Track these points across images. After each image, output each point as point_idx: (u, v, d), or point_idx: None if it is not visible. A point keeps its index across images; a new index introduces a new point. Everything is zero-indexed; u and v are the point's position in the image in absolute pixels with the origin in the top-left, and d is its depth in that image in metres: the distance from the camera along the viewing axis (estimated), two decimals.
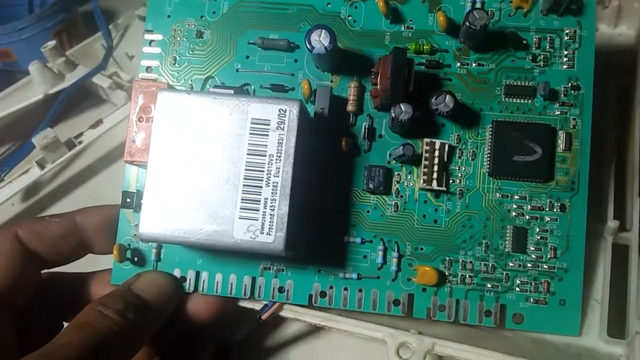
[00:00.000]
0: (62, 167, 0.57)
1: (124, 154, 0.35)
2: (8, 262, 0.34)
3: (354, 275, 0.36)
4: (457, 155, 0.37)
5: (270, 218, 0.32)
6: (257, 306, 0.37)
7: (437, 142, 0.36)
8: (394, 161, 0.37)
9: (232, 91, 0.34)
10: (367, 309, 0.36)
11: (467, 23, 0.34)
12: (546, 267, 0.36)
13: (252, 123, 0.32)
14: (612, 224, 0.38)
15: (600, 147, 0.40)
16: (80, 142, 0.53)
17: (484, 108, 0.37)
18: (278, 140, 0.32)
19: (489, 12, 0.37)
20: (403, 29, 0.38)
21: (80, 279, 0.38)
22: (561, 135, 0.37)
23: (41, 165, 0.52)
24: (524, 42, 0.37)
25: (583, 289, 0.36)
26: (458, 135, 0.37)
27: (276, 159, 0.32)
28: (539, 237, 0.36)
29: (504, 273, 0.36)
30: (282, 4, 0.38)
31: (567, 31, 0.37)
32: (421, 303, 0.36)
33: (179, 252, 0.37)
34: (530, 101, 0.37)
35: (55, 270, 0.38)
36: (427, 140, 0.36)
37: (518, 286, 0.36)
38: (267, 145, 0.32)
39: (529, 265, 0.36)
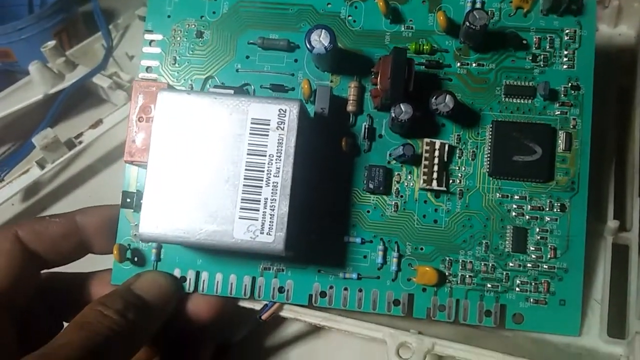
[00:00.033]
0: (62, 167, 0.57)
1: (124, 154, 0.35)
2: (8, 262, 0.34)
3: (354, 275, 0.36)
4: (457, 155, 0.37)
5: (270, 218, 0.32)
6: (257, 306, 0.37)
7: (437, 142, 0.36)
8: (394, 161, 0.37)
9: (232, 91, 0.34)
10: (367, 309, 0.36)
11: (467, 23, 0.34)
12: (546, 267, 0.36)
13: (252, 123, 0.32)
14: (612, 224, 0.38)
15: (600, 147, 0.40)
16: (80, 142, 0.53)
17: (484, 108, 0.37)
18: (278, 140, 0.32)
19: (489, 12, 0.37)
20: (403, 29, 0.38)
21: (80, 279, 0.38)
22: (561, 135, 0.37)
23: (41, 165, 0.52)
24: (524, 42, 0.37)
25: (583, 289, 0.36)
26: (458, 135, 0.37)
27: (276, 159, 0.32)
28: (539, 237, 0.36)
29: (504, 273, 0.36)
30: (282, 4, 0.38)
31: (567, 31, 0.37)
32: (421, 303, 0.36)
33: (179, 252, 0.37)
34: (530, 101, 0.37)
35: (55, 270, 0.38)
36: (427, 140, 0.36)
37: (518, 286, 0.36)
38: (267, 145, 0.32)
39: (529, 265, 0.36)
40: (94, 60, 0.59)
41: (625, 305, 0.38)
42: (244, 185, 0.32)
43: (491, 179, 0.37)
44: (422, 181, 0.36)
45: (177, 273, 0.37)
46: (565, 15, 0.37)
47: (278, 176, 0.32)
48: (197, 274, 0.37)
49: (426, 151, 0.36)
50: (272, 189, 0.32)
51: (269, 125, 0.32)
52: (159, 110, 0.33)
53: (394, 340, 0.36)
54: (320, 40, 0.34)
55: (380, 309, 0.36)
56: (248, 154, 0.32)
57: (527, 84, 0.37)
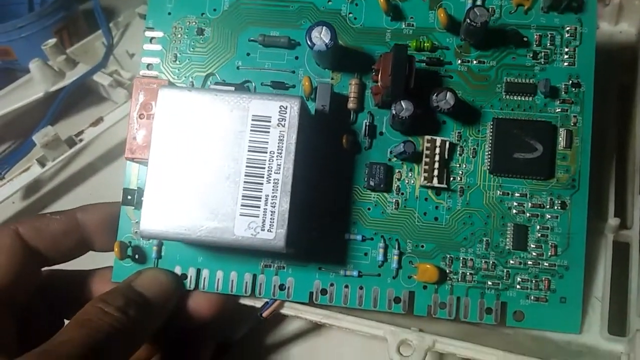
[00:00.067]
0: (63, 165, 0.57)
1: (124, 152, 0.35)
2: (9, 259, 0.34)
3: (355, 273, 0.36)
4: (458, 152, 0.37)
5: (271, 215, 0.32)
6: (258, 304, 0.37)
7: (438, 140, 0.36)
8: (395, 158, 0.37)
9: (233, 88, 0.34)
10: (367, 307, 0.36)
11: (468, 20, 0.34)
12: (547, 264, 0.36)
13: (253, 120, 0.32)
14: (612, 221, 0.38)
15: (601, 145, 0.40)
16: (80, 140, 0.54)
17: (485, 105, 0.37)
18: (279, 137, 0.32)
19: (490, 9, 0.37)
20: (404, 26, 0.38)
21: (81, 277, 0.38)
22: (562, 133, 0.37)
23: (42, 163, 0.52)
24: (525, 39, 0.37)
25: (584, 287, 0.36)
26: (459, 132, 0.37)
27: (277, 156, 0.32)
28: (539, 235, 0.36)
29: (505, 270, 0.36)
30: (283, 1, 0.38)
31: (567, 28, 0.37)
32: (422, 300, 0.36)
33: (180, 249, 0.37)
34: (531, 98, 0.37)
35: (56, 267, 0.38)
36: (428, 137, 0.36)
37: (519, 284, 0.36)
38: (268, 142, 0.32)
39: (529, 262, 0.36)
40: (94, 58, 0.59)
41: (625, 302, 0.38)
42: (244, 182, 0.32)
43: (492, 176, 0.37)
44: (422, 178, 0.36)
45: (178, 270, 0.37)
46: (565, 13, 0.37)
47: (279, 173, 0.32)
48: (198, 272, 0.37)
49: (427, 148, 0.36)
50: (273, 186, 0.32)
51: (269, 122, 0.32)
52: (159, 107, 0.33)
53: (394, 338, 0.36)
54: (321, 37, 0.33)
55: (381, 306, 0.36)
56: (249, 151, 0.32)
57: (527, 81, 0.37)
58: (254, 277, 0.37)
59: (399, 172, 0.37)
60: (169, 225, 0.32)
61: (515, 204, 0.36)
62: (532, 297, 0.36)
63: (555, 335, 0.38)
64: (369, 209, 0.37)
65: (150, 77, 0.38)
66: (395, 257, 0.36)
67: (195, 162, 0.32)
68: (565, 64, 0.37)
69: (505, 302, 0.36)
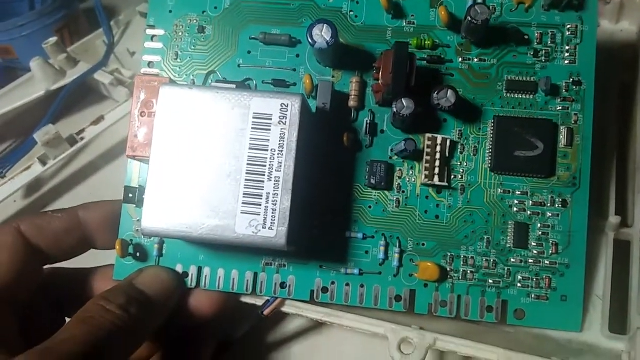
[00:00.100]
0: (64, 163, 0.57)
1: (126, 150, 0.35)
2: (10, 257, 0.34)
3: (356, 271, 0.36)
4: (459, 150, 0.37)
5: (273, 213, 0.32)
6: (259, 302, 0.37)
7: (439, 138, 0.36)
8: (396, 156, 0.37)
9: (234, 86, 0.34)
10: (368, 305, 0.36)
11: (469, 18, 0.34)
12: (548, 262, 0.36)
13: (254, 118, 0.32)
14: (613, 219, 0.38)
15: (602, 143, 0.40)
16: (82, 139, 0.54)
17: (486, 103, 0.37)
18: (280, 134, 0.32)
19: (491, 7, 0.37)
20: (405, 24, 0.38)
21: (82, 275, 0.38)
22: (563, 131, 0.37)
23: (43, 161, 0.52)
24: (526, 37, 0.37)
25: (585, 285, 0.36)
26: (460, 130, 0.37)
27: (278, 154, 0.32)
28: (540, 233, 0.36)
29: (506, 269, 0.36)
30: None
31: (568, 26, 0.37)
32: (423, 299, 0.36)
33: (181, 247, 0.37)
34: (531, 96, 0.37)
35: (58, 265, 0.38)
36: (428, 135, 0.36)
37: (520, 282, 0.36)
38: (269, 140, 0.32)
39: (530, 261, 0.36)
40: (95, 56, 0.59)
41: (626, 301, 0.38)
42: (246, 179, 0.32)
43: (493, 174, 0.37)
44: (423, 177, 0.36)
45: (179, 268, 0.37)
46: (566, 11, 0.37)
47: (280, 171, 0.32)
48: (199, 270, 0.37)
49: (428, 146, 0.36)
50: (274, 184, 0.32)
51: (271, 119, 0.32)
52: (161, 105, 0.33)
53: (395, 336, 0.36)
54: (322, 35, 0.34)
55: (382, 304, 0.36)
56: (250, 149, 0.32)
57: (528, 79, 0.37)
58: (255, 275, 0.37)
59: (400, 170, 0.37)
60: (171, 223, 0.32)
61: (516, 202, 0.36)
62: (533, 296, 0.36)
63: (556, 333, 0.38)
64: (370, 207, 0.37)
65: (151, 75, 0.38)
66: (396, 255, 0.36)
67: (196, 160, 0.32)
68: (566, 62, 0.37)
69: (506, 300, 0.36)
